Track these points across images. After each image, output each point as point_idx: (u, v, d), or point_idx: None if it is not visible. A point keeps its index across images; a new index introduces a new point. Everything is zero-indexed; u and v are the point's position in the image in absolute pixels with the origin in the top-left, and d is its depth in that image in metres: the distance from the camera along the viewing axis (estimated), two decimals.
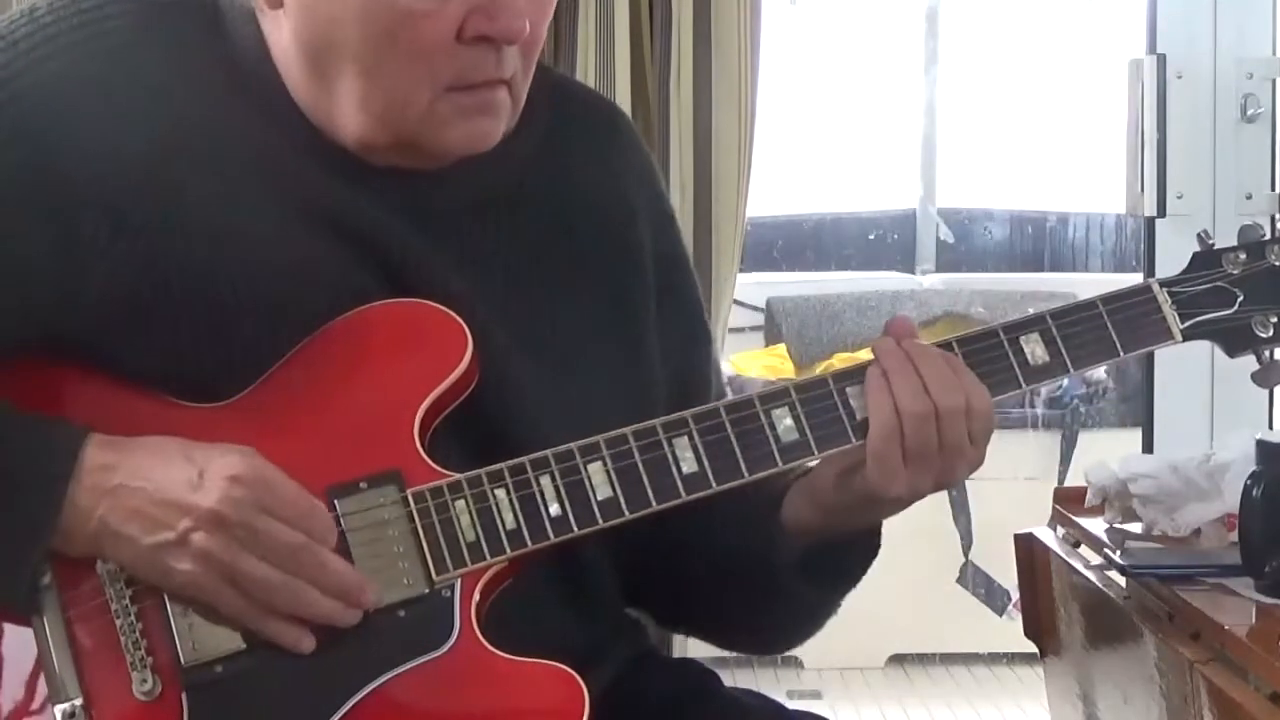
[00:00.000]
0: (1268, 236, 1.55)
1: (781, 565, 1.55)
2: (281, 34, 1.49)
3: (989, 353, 1.50)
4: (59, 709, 1.39)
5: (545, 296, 1.56)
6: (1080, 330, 1.51)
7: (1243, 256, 1.54)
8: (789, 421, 1.48)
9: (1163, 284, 1.54)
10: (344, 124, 1.48)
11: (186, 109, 1.47)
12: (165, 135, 1.46)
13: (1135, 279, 1.60)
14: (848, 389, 1.49)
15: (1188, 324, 1.53)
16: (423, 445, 1.45)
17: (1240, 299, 1.54)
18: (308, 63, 1.48)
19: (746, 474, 1.47)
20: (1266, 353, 1.55)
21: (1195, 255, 1.55)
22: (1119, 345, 1.51)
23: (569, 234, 1.58)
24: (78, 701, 1.39)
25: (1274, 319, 1.54)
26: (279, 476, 1.39)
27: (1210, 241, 1.55)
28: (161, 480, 1.38)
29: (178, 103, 1.47)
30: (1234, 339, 1.54)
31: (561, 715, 1.40)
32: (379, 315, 1.47)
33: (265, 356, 1.45)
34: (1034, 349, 1.51)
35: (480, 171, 1.55)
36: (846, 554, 1.58)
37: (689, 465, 1.46)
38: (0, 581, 1.38)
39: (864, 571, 1.60)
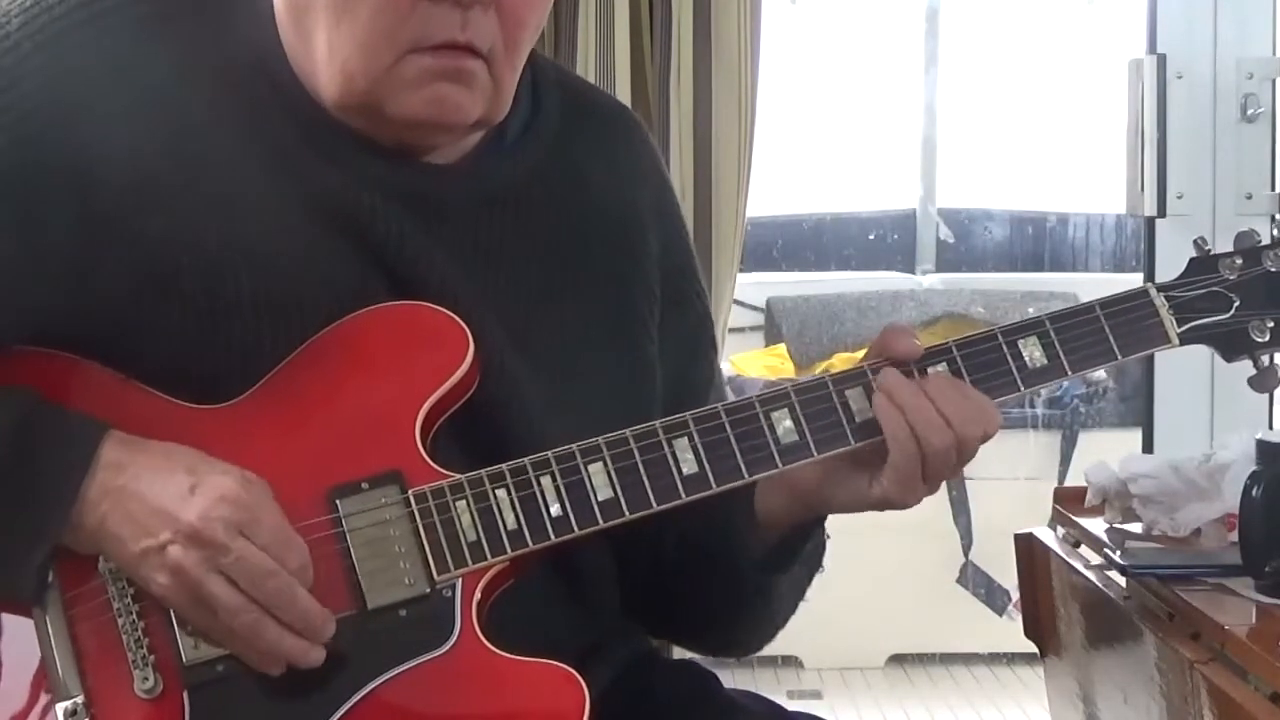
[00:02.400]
0: (1264, 242, 1.55)
1: (747, 560, 1.56)
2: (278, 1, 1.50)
3: (987, 355, 1.50)
4: (61, 707, 1.40)
5: (547, 299, 1.56)
6: (1078, 334, 1.51)
7: (1239, 262, 1.55)
8: (788, 423, 1.48)
9: (1160, 288, 1.54)
10: (322, 83, 1.48)
11: (203, 97, 1.47)
12: (185, 122, 1.46)
13: (1135, 279, 1.60)
14: (847, 391, 1.49)
15: (1184, 328, 1.53)
16: (424, 446, 1.45)
17: (1237, 304, 1.54)
18: (293, 22, 1.49)
19: (746, 475, 1.47)
20: (1263, 358, 1.55)
21: (1192, 260, 1.55)
22: (1116, 349, 1.52)
23: (576, 238, 1.59)
24: (79, 699, 1.40)
25: (1270, 324, 1.54)
26: (268, 505, 1.39)
27: (1207, 247, 1.56)
28: (159, 489, 1.38)
29: (195, 91, 1.47)
30: (1230, 343, 1.55)
31: (562, 715, 1.40)
32: (382, 317, 1.47)
33: (266, 352, 1.46)
34: (1032, 352, 1.51)
35: (489, 168, 1.55)
36: (803, 544, 1.58)
37: (689, 466, 1.46)
38: (10, 567, 1.39)
39: (819, 561, 1.61)
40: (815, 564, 1.62)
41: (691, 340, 1.68)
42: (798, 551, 1.58)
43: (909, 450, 1.46)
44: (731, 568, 1.57)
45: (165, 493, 1.38)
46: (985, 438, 1.48)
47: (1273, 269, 1.55)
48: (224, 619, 1.37)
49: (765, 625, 1.65)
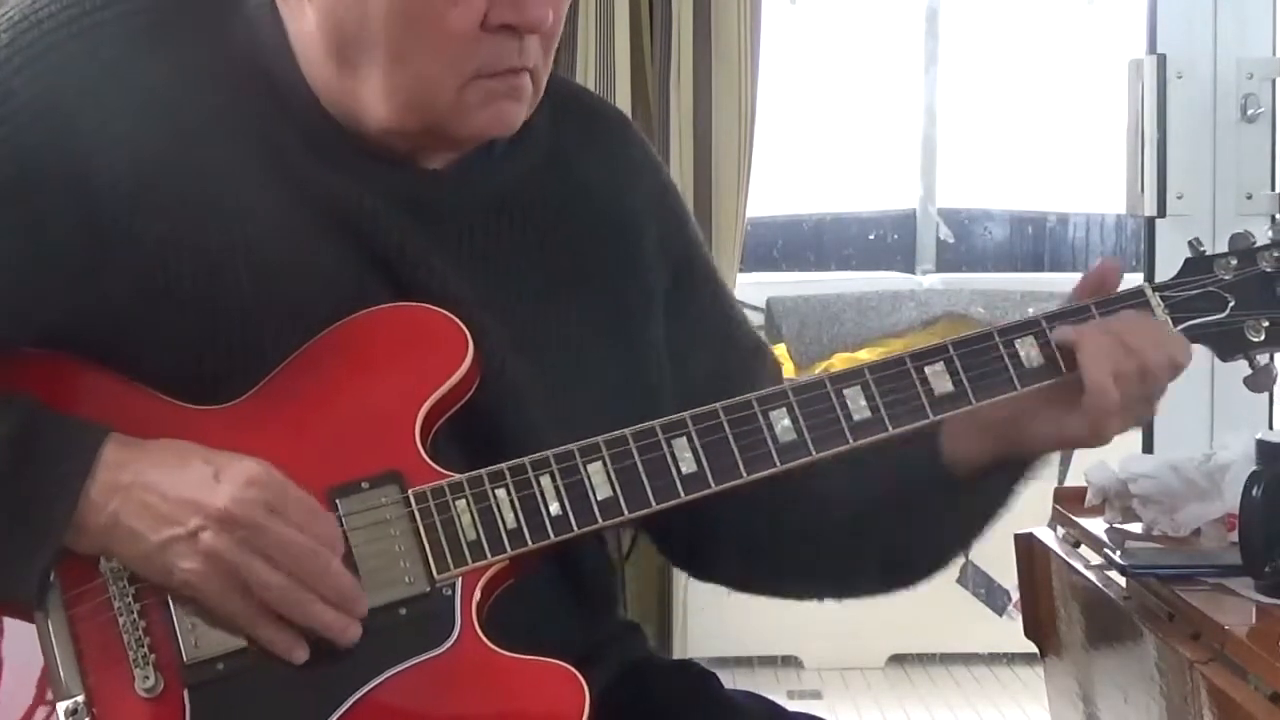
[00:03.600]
0: (1259, 243, 1.56)
1: (944, 479, 1.55)
2: (304, 23, 1.50)
3: (984, 355, 1.51)
4: (62, 706, 1.40)
5: (545, 301, 1.57)
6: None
7: (1234, 262, 1.56)
8: (786, 422, 1.49)
9: (1155, 288, 1.55)
10: (371, 114, 1.49)
11: (202, 102, 1.47)
12: (182, 127, 1.46)
13: (1135, 279, 1.61)
14: (845, 390, 1.50)
15: (1180, 327, 1.54)
16: (424, 447, 1.45)
17: (1232, 304, 1.55)
18: (333, 52, 1.49)
19: (745, 474, 1.47)
20: (1259, 357, 1.56)
21: (1187, 261, 1.57)
22: None
23: (572, 239, 1.59)
24: (80, 699, 1.40)
25: (1265, 323, 1.55)
26: (290, 484, 1.40)
27: (1202, 248, 1.57)
28: (177, 478, 1.39)
29: (194, 96, 1.47)
30: (1226, 343, 1.55)
31: (562, 713, 1.40)
32: (382, 319, 1.48)
33: (267, 354, 1.46)
34: (1029, 351, 1.52)
35: (488, 173, 1.56)
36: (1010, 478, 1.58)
37: (688, 465, 1.47)
38: (13, 572, 1.39)
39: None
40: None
41: (715, 313, 1.68)
42: (1009, 482, 1.57)
43: (1104, 384, 1.47)
44: (935, 494, 1.56)
45: (186, 481, 1.38)
46: (1174, 365, 1.50)
47: (1268, 269, 1.55)
48: (264, 599, 1.38)
49: (955, 550, 1.64)
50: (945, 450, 1.55)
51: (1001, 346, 1.51)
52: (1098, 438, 1.52)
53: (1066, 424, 1.52)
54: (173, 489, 1.38)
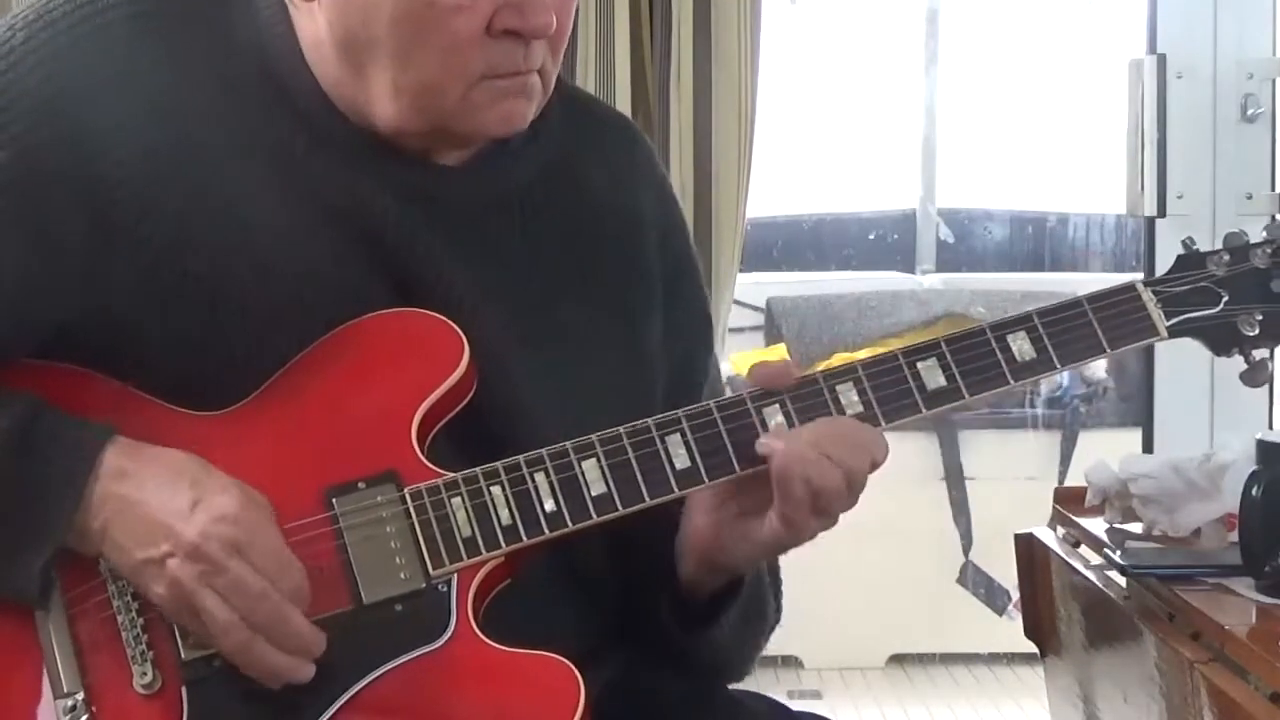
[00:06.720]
0: (1253, 241, 1.56)
1: (666, 618, 1.58)
2: (314, 26, 1.51)
3: (976, 349, 1.52)
4: (60, 703, 1.40)
5: (550, 300, 1.58)
6: (1066, 328, 1.53)
7: (1227, 258, 1.56)
8: (779, 419, 1.50)
9: (1147, 283, 1.56)
10: (379, 113, 1.50)
11: (211, 102, 1.48)
12: (191, 129, 1.47)
13: (1135, 279, 1.61)
14: (838, 386, 1.51)
15: (1173, 321, 1.55)
16: (422, 449, 1.46)
17: (1225, 299, 1.56)
18: (342, 54, 1.50)
19: (738, 469, 1.49)
20: (1255, 352, 1.56)
21: (1179, 258, 1.58)
22: (1105, 342, 1.53)
23: (578, 241, 1.60)
24: (79, 695, 1.41)
25: (1259, 317, 1.55)
26: (267, 526, 1.41)
27: (1194, 246, 1.57)
28: (160, 500, 1.39)
29: (202, 96, 1.48)
30: (1220, 337, 1.56)
31: (557, 705, 1.41)
32: (381, 324, 1.49)
33: (269, 358, 1.47)
34: (1021, 346, 1.53)
35: (496, 172, 1.57)
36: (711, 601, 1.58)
37: (681, 461, 1.48)
38: (14, 569, 1.40)
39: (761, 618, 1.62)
40: (755, 626, 1.63)
41: (686, 343, 1.68)
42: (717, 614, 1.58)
43: (798, 492, 1.46)
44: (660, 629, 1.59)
45: (167, 506, 1.39)
46: (875, 466, 1.48)
47: (1261, 265, 1.56)
48: (217, 636, 1.38)
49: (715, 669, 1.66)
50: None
51: (994, 342, 1.52)
52: (797, 541, 1.49)
53: (762, 534, 1.50)
54: (155, 510, 1.39)
